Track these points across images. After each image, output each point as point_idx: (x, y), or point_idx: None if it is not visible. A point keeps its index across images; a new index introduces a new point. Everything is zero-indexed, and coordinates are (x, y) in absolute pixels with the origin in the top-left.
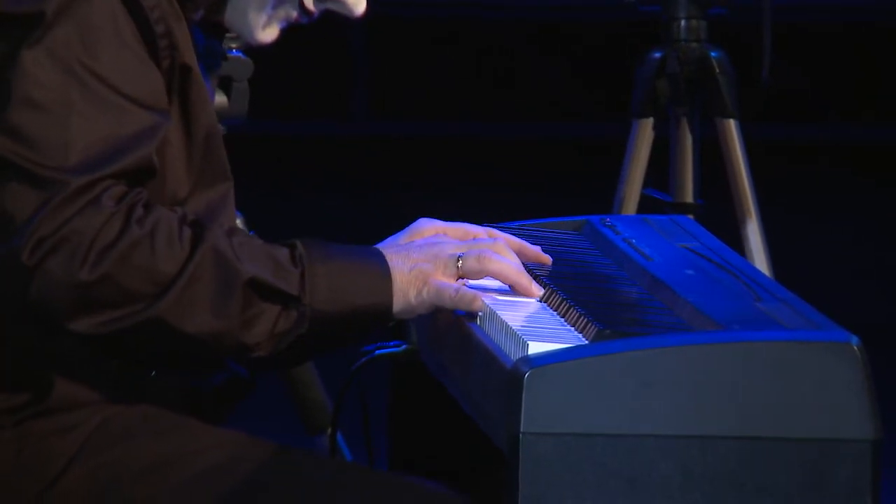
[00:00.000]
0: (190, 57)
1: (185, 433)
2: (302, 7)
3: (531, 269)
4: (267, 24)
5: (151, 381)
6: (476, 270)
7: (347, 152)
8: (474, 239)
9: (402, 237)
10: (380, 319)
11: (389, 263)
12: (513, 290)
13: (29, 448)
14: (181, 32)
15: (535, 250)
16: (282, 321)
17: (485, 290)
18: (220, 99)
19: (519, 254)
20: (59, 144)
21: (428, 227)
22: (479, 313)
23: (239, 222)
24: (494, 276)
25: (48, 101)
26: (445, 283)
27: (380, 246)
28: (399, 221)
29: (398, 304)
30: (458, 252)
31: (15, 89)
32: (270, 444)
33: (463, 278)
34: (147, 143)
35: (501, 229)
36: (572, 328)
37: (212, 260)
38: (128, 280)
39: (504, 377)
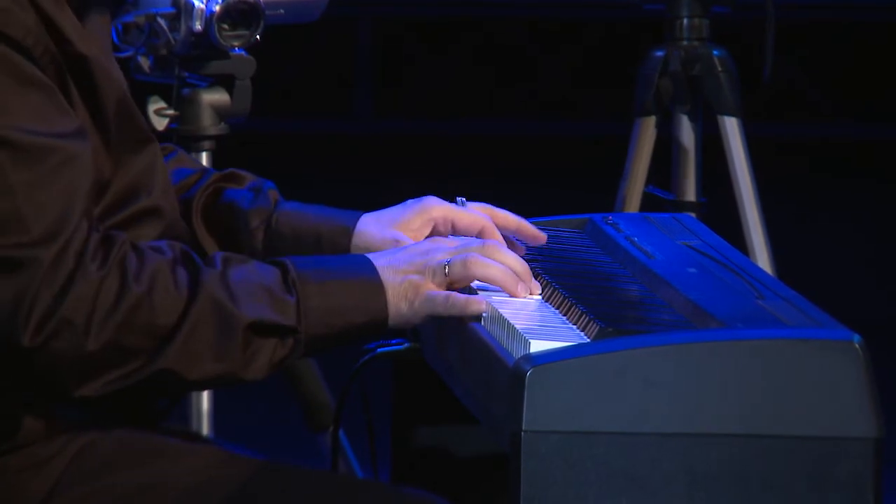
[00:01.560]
0: (83, 43)
1: (164, 457)
2: None
3: (532, 266)
4: None
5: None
6: (462, 276)
7: (351, 151)
8: (463, 242)
9: (410, 214)
10: (374, 333)
11: (381, 276)
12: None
13: (3, 486)
14: (66, 21)
15: (532, 228)
16: (279, 350)
17: (484, 289)
18: (222, 97)
19: (517, 231)
20: (14, 219)
21: (435, 207)
22: (484, 314)
23: None
24: (481, 280)
25: None
26: (435, 292)
27: (374, 258)
28: None
29: (392, 317)
30: (445, 259)
31: None
32: (252, 461)
33: (452, 284)
34: (87, 174)
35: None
36: (574, 326)
37: (211, 308)
38: (131, 340)
39: (506, 375)
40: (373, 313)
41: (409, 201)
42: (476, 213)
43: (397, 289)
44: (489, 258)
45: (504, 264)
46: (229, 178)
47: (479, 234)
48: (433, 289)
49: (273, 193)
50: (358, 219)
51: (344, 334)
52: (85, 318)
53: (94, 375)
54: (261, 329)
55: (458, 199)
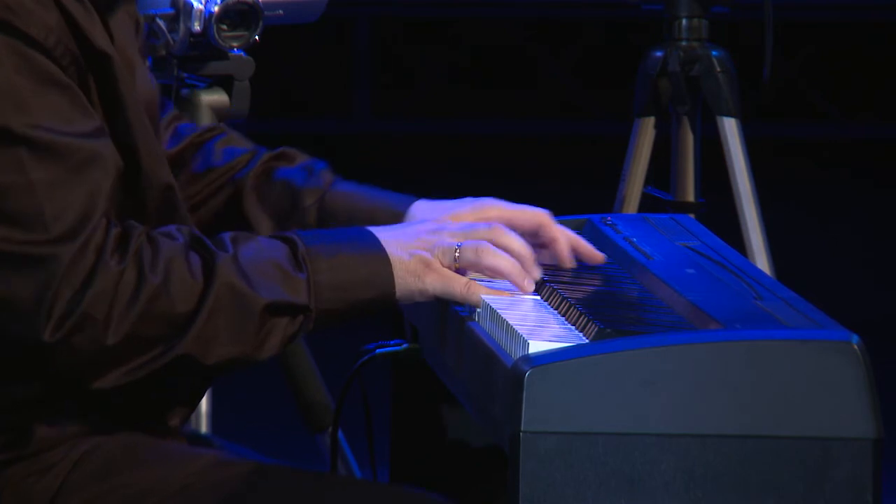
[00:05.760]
0: (106, 43)
1: (167, 461)
2: None
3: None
4: None
5: (125, 406)
6: (472, 263)
7: (350, 151)
8: (472, 226)
9: (465, 207)
10: (382, 308)
11: (388, 251)
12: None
13: (8, 491)
14: (90, 21)
15: (589, 246)
16: (289, 328)
17: (488, 282)
18: (221, 98)
19: (574, 250)
20: (34, 216)
21: (493, 206)
22: (478, 309)
23: None
24: (490, 270)
25: (4, 177)
26: (454, 274)
27: (379, 231)
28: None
29: (399, 293)
30: (456, 242)
31: None
32: (252, 463)
33: (460, 269)
34: (109, 174)
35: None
36: (573, 327)
37: (228, 295)
38: (150, 331)
39: (505, 376)
40: (380, 288)
41: (469, 198)
42: (533, 209)
43: (405, 264)
44: (499, 246)
45: (511, 250)
46: (281, 156)
47: (537, 231)
48: (446, 270)
49: (326, 173)
50: (412, 203)
51: (352, 309)
52: (105, 313)
53: (112, 367)
54: (275, 310)
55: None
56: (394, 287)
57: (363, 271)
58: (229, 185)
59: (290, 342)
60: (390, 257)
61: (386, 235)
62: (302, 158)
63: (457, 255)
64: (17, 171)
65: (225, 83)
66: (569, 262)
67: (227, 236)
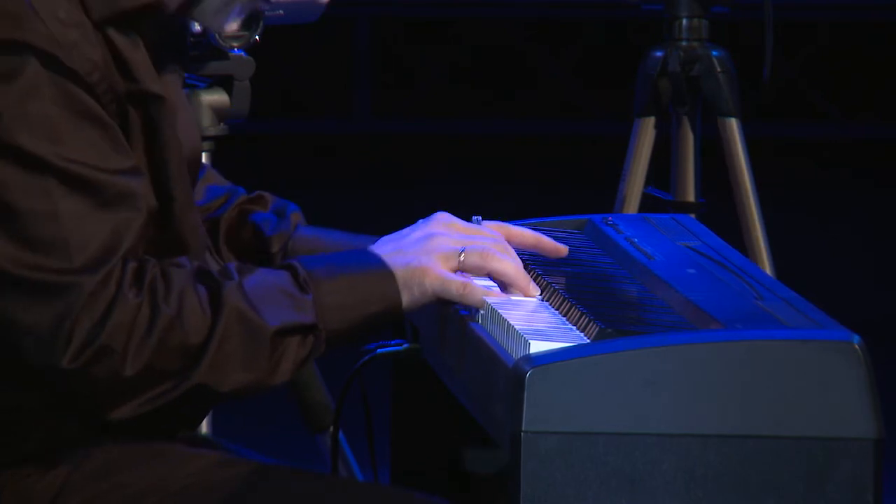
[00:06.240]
0: (153, 84)
1: (167, 461)
2: None
3: (531, 267)
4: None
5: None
6: (478, 266)
7: (350, 151)
8: (471, 235)
9: (418, 230)
10: (390, 319)
11: (388, 262)
12: (511, 289)
13: (8, 491)
14: (139, 61)
15: (552, 242)
16: (300, 351)
17: (485, 287)
18: (222, 98)
19: (536, 247)
20: (58, 245)
21: (445, 222)
22: (481, 311)
23: None
24: (495, 275)
25: (33, 204)
26: (451, 274)
27: (377, 247)
28: (401, 219)
29: (405, 302)
30: (460, 246)
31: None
32: (253, 463)
33: (463, 272)
34: (138, 213)
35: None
36: (574, 327)
37: (237, 322)
38: (165, 362)
39: (506, 376)
40: (387, 301)
41: (420, 221)
42: (490, 231)
43: (405, 270)
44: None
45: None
46: (255, 200)
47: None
48: (444, 271)
49: (295, 217)
50: (373, 244)
51: (361, 327)
52: (123, 345)
53: (129, 398)
54: (285, 332)
55: (475, 217)
56: (400, 299)
57: (367, 289)
58: (206, 223)
59: (303, 365)
60: (392, 269)
61: (385, 249)
62: (274, 201)
63: (462, 258)
64: (45, 201)
65: (225, 83)
66: (563, 251)
67: (233, 266)
